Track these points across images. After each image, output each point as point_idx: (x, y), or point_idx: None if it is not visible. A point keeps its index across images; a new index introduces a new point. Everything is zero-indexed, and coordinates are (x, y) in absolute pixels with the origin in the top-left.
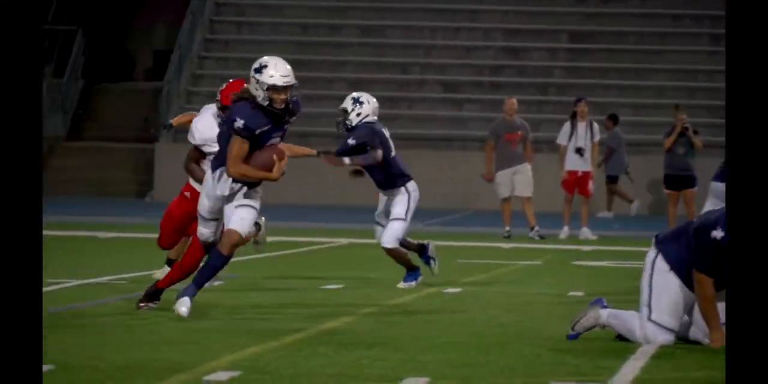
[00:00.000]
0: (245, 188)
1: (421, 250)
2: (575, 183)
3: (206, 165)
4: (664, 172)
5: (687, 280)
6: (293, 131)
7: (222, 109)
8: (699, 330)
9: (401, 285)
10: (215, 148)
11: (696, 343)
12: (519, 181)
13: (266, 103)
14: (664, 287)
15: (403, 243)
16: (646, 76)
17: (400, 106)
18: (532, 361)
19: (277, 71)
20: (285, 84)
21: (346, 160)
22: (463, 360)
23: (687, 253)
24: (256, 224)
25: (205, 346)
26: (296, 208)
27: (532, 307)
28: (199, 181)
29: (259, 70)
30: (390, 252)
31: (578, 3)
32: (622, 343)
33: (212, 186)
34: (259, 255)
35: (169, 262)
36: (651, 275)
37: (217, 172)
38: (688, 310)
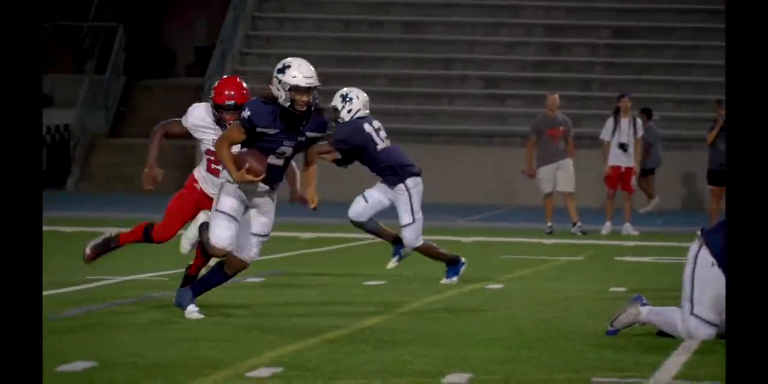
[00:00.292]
0: (272, 207)
1: (396, 242)
2: (618, 178)
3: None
4: (707, 168)
5: None
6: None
7: (215, 107)
8: None
9: (444, 281)
10: (204, 136)
11: None
12: (561, 176)
13: (288, 104)
14: (706, 281)
15: (376, 229)
16: (688, 72)
17: (441, 102)
18: (574, 356)
19: (300, 72)
20: (308, 85)
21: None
22: (506, 356)
23: None
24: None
25: (246, 343)
26: (337, 204)
27: (574, 303)
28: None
29: (282, 71)
30: (420, 250)
31: None
32: (664, 339)
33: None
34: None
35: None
36: (693, 269)
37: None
38: None
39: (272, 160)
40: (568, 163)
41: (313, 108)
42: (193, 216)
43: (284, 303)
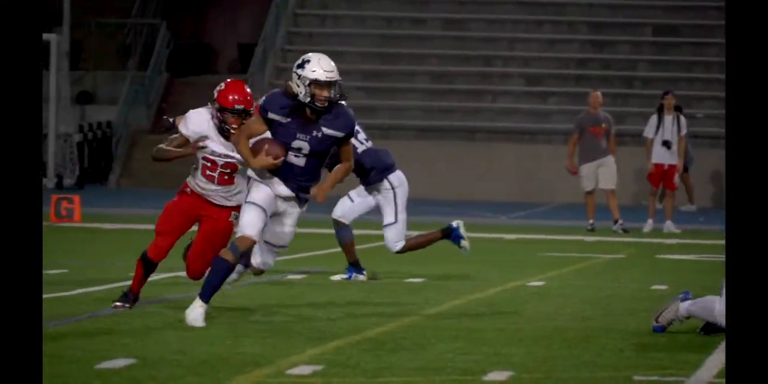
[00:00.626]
0: (296, 217)
1: (354, 264)
2: (661, 176)
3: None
4: None
5: None
6: (376, 124)
7: (219, 110)
8: None
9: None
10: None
11: None
12: (603, 173)
13: (308, 99)
14: None
15: (347, 240)
16: None
17: (483, 99)
18: (615, 355)
19: (320, 66)
20: (328, 79)
21: None
22: (547, 354)
23: None
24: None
25: (288, 341)
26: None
27: (615, 301)
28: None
29: (301, 66)
30: (407, 249)
31: None
32: (706, 337)
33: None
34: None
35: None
36: None
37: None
38: None
39: (290, 157)
40: (610, 161)
41: (335, 102)
42: (187, 228)
43: (326, 300)
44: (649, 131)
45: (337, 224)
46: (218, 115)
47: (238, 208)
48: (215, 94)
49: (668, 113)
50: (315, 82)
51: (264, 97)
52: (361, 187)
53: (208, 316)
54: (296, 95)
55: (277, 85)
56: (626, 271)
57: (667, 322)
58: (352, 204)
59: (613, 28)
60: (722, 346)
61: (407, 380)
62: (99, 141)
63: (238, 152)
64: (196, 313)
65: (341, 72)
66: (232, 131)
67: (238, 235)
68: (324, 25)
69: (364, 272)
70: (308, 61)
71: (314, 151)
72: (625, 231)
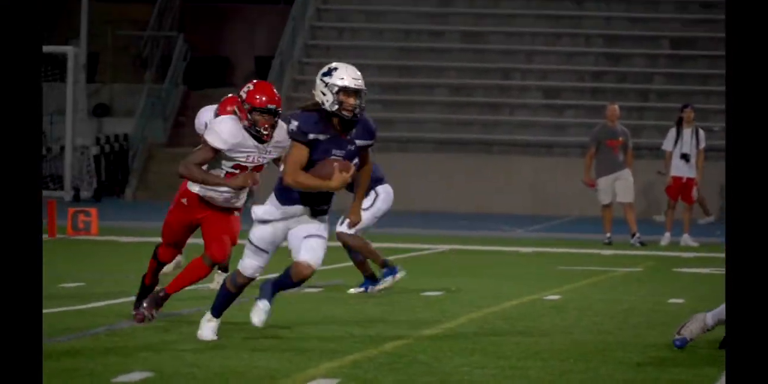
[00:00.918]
0: (323, 223)
1: (387, 266)
2: (679, 189)
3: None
4: None
5: None
6: (394, 137)
7: (250, 111)
8: None
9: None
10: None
11: None
12: (620, 187)
13: (335, 107)
14: None
15: (361, 259)
16: None
17: (501, 112)
18: (632, 369)
19: (347, 74)
20: (356, 87)
21: None
22: (563, 367)
23: None
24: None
25: (305, 354)
26: (396, 215)
27: (632, 315)
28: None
29: (328, 74)
30: (351, 244)
31: (679, 9)
32: (724, 351)
33: (276, 209)
34: None
35: (222, 268)
36: None
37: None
38: None
39: None
40: (627, 174)
41: (358, 113)
42: (189, 233)
43: (342, 314)
44: (667, 144)
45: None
46: (248, 117)
47: (238, 210)
48: (243, 96)
49: (687, 126)
50: (343, 90)
51: (293, 122)
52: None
53: (221, 330)
54: (320, 105)
55: (295, 98)
56: (643, 284)
57: (693, 335)
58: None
59: (629, 41)
60: None
61: None
62: (116, 154)
63: (305, 187)
64: (207, 327)
65: None
66: (263, 132)
67: (240, 270)
68: (342, 38)
69: (398, 270)
70: (335, 68)
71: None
72: (643, 244)
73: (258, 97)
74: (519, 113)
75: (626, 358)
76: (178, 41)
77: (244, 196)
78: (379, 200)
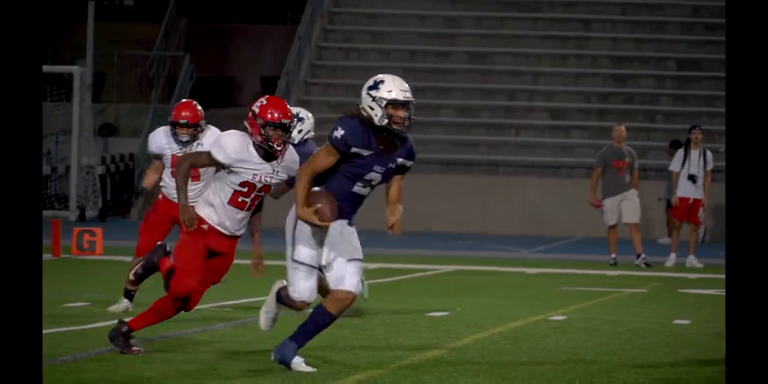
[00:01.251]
0: (353, 230)
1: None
2: (686, 210)
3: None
4: None
5: None
6: None
7: (263, 126)
8: None
9: None
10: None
11: None
12: (626, 207)
13: (385, 121)
14: None
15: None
16: None
17: (507, 133)
18: None
19: (395, 85)
20: (406, 99)
21: None
22: None
23: None
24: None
25: (308, 375)
26: (402, 235)
27: (637, 336)
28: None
29: (374, 87)
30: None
31: (686, 30)
32: None
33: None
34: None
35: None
36: None
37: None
38: None
39: (358, 188)
40: (633, 194)
41: (408, 125)
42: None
43: (347, 334)
44: (675, 165)
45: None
46: (261, 132)
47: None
48: (256, 110)
49: (695, 148)
50: (392, 103)
51: (340, 129)
52: None
53: (231, 351)
54: (369, 120)
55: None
56: (648, 305)
57: None
58: None
59: (636, 63)
60: None
61: None
62: (121, 173)
63: (296, 188)
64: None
65: None
66: (276, 148)
67: (294, 297)
68: (348, 58)
69: None
70: (382, 81)
71: (382, 181)
72: (648, 265)
73: (271, 111)
74: (525, 134)
75: (631, 379)
76: (185, 61)
77: (245, 223)
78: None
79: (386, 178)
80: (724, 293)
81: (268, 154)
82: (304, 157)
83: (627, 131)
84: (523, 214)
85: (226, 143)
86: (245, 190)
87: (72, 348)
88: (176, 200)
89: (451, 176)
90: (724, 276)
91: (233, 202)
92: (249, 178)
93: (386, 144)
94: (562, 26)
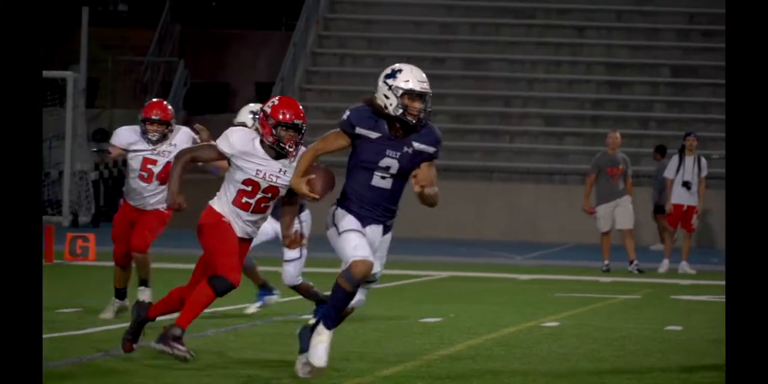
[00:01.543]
0: (387, 241)
1: (263, 286)
2: (680, 217)
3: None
4: None
5: None
6: None
7: (275, 126)
8: None
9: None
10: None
11: None
12: (620, 214)
13: (399, 111)
14: None
15: (249, 268)
16: None
17: (501, 139)
18: None
19: (413, 76)
20: (422, 90)
21: None
22: None
23: None
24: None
25: (300, 381)
26: (395, 241)
27: (629, 342)
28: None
29: (392, 75)
30: (300, 289)
31: (680, 37)
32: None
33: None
34: None
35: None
36: None
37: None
38: None
39: (377, 180)
40: (626, 201)
41: (424, 118)
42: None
43: (339, 339)
44: (669, 172)
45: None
46: (272, 132)
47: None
48: (268, 110)
49: (689, 154)
50: (408, 93)
51: (348, 112)
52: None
53: (210, 357)
54: (383, 108)
55: None
56: (641, 311)
57: None
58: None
59: (630, 69)
60: None
61: None
62: (115, 179)
63: (298, 162)
64: (321, 348)
65: None
66: (288, 149)
67: (352, 260)
68: (343, 64)
69: (276, 292)
70: (400, 70)
71: (402, 170)
72: (641, 271)
73: (283, 111)
74: (519, 140)
75: None
76: (179, 67)
77: (256, 228)
78: (304, 228)
79: (406, 164)
80: (717, 299)
81: (279, 154)
82: None
83: (621, 138)
84: (517, 221)
85: (232, 134)
86: (249, 189)
87: (64, 354)
88: (138, 205)
89: (446, 182)
90: (716, 282)
91: (237, 202)
92: (252, 174)
93: (399, 131)
94: (557, 33)
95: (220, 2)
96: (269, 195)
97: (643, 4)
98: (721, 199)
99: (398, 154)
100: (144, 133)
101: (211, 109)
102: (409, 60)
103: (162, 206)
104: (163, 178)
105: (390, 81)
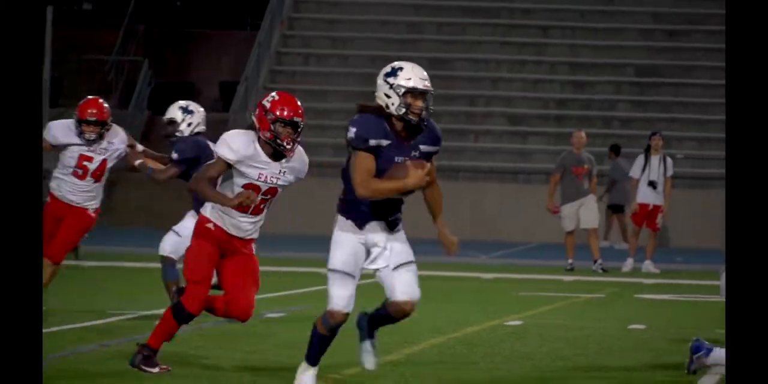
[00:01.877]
0: (400, 235)
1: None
2: (645, 216)
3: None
4: None
5: None
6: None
7: (273, 122)
8: None
9: None
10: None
11: None
12: (584, 213)
13: (402, 110)
14: None
15: (172, 278)
16: (711, 111)
17: (466, 139)
18: None
19: (414, 74)
20: (425, 88)
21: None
22: None
23: None
24: None
25: (262, 380)
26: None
27: (592, 341)
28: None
29: (392, 74)
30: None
31: (644, 37)
32: (690, 376)
33: (353, 234)
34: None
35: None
36: None
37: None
38: None
39: None
40: (591, 200)
41: (425, 117)
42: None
43: (303, 339)
44: (635, 171)
45: (165, 261)
46: (270, 127)
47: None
48: (267, 105)
49: (655, 154)
50: (411, 91)
51: (354, 128)
52: (192, 214)
53: (179, 359)
54: (384, 108)
55: None
56: (605, 310)
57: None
58: (179, 239)
59: (594, 69)
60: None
61: None
62: None
63: (382, 194)
64: (305, 379)
65: (324, 111)
66: (285, 146)
67: (329, 308)
68: (307, 64)
69: None
70: (401, 68)
71: None
72: (605, 270)
73: (282, 108)
74: (484, 140)
75: None
76: (144, 66)
77: (259, 226)
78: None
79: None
80: (680, 298)
81: (276, 153)
82: (188, 150)
83: (586, 137)
84: (481, 220)
85: (233, 140)
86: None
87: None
88: (66, 201)
89: None
90: (680, 281)
91: (238, 206)
92: (255, 178)
93: (405, 133)
94: (521, 32)
95: (184, 2)
96: (268, 196)
97: (607, 4)
98: (685, 199)
99: (406, 159)
100: (80, 134)
101: None
102: (374, 60)
103: (90, 205)
104: (98, 176)
105: (391, 79)
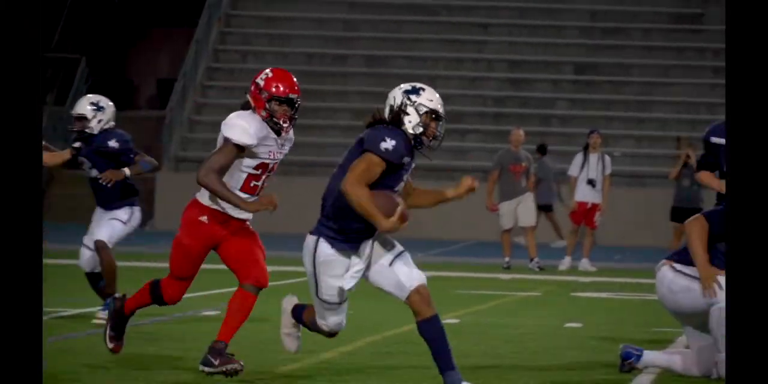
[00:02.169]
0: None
1: (106, 297)
2: (583, 214)
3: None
4: (672, 205)
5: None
6: (297, 161)
7: (268, 100)
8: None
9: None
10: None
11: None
12: (522, 211)
13: (420, 130)
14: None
15: (101, 288)
16: (649, 109)
17: None
18: None
19: (436, 97)
20: (443, 113)
21: (126, 171)
22: None
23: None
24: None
25: (203, 378)
26: (296, 238)
27: (528, 339)
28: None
29: (414, 92)
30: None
31: (583, 35)
32: (621, 375)
33: (336, 257)
34: None
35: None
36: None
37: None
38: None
39: None
40: (528, 198)
41: (435, 145)
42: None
43: (237, 337)
44: (573, 170)
45: (91, 276)
46: (266, 106)
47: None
48: (261, 83)
49: (593, 152)
50: (433, 113)
51: (391, 139)
52: (100, 211)
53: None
54: (401, 124)
55: (197, 120)
56: (541, 308)
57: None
58: (91, 252)
59: (532, 67)
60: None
61: None
62: None
63: (357, 205)
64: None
65: None
66: (282, 124)
67: (324, 329)
68: (245, 61)
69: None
70: (423, 88)
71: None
72: (541, 269)
73: (277, 84)
74: None
75: (521, 382)
76: (81, 64)
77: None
78: (134, 219)
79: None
80: (617, 296)
81: (273, 129)
82: (101, 147)
83: (525, 135)
84: (419, 217)
85: (247, 123)
86: (259, 172)
87: None
88: None
89: None
90: (616, 279)
91: (245, 187)
92: (267, 157)
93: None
94: (459, 29)
95: None
96: (271, 173)
97: (546, 2)
98: (623, 197)
99: (408, 175)
100: None
101: (114, 105)
102: (311, 57)
103: None
104: None
105: (414, 97)
